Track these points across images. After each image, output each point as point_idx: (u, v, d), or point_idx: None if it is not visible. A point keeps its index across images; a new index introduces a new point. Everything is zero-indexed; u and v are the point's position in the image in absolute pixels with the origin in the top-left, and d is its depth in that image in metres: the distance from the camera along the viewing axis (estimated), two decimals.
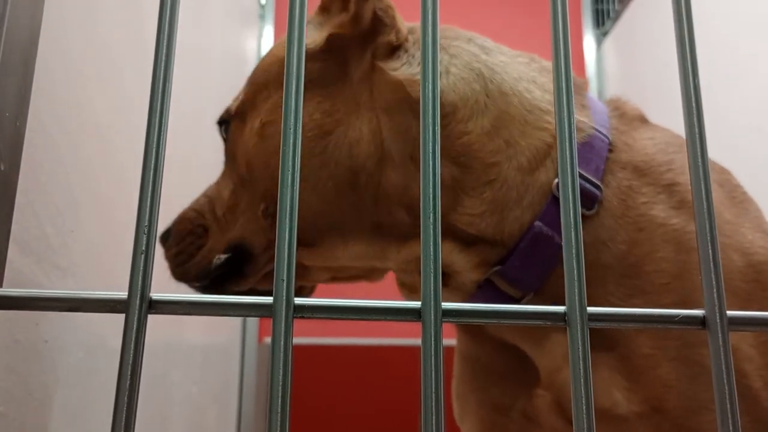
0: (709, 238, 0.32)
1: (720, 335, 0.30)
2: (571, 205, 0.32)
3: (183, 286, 0.76)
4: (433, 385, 0.29)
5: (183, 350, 1.37)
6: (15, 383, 0.58)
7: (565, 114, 0.32)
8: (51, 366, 0.67)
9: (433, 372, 0.30)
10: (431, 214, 0.31)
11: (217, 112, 1.77)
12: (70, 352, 0.72)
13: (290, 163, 0.30)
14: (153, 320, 0.79)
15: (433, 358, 0.30)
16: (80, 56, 0.81)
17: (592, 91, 2.53)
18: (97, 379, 0.76)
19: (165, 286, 0.79)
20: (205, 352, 1.66)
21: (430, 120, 0.31)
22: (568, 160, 0.32)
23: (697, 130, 0.33)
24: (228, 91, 1.94)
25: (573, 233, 0.32)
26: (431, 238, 0.31)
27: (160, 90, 0.32)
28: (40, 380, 0.64)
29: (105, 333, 0.81)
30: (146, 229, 0.30)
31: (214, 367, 1.83)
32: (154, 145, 0.30)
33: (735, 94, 1.60)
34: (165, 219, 0.40)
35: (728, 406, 0.29)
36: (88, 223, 0.80)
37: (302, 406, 2.27)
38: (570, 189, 0.31)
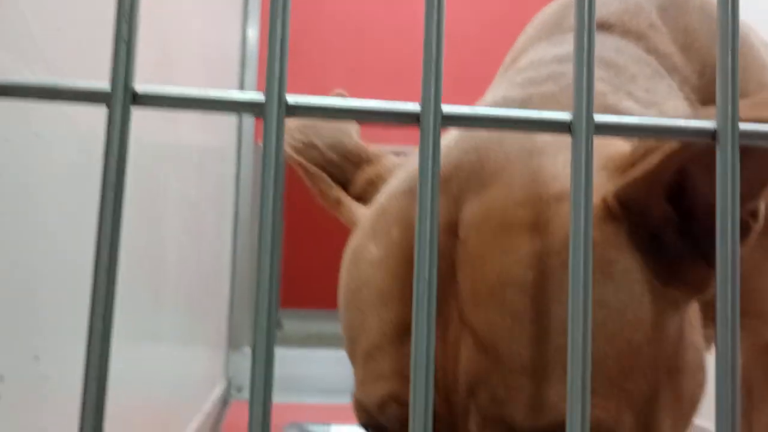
0: (730, 47, 0.30)
1: (730, 148, 0.29)
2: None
3: (170, 81, 0.73)
4: (430, 190, 0.28)
5: (178, 151, 1.37)
6: (6, 178, 0.58)
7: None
8: (44, 161, 0.67)
9: (430, 176, 0.29)
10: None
11: None
12: (64, 147, 0.71)
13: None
14: (145, 120, 0.77)
15: (431, 164, 0.29)
16: None
17: None
18: (92, 176, 0.75)
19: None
20: (200, 153, 1.66)
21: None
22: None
23: None
24: None
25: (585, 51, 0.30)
26: (433, 43, 0.29)
27: None
28: (34, 175, 0.63)
29: (99, 129, 0.79)
30: (128, 17, 0.28)
31: (210, 169, 1.84)
32: None
33: None
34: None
35: (729, 218, 0.28)
36: (76, 20, 0.76)
37: (295, 209, 2.31)
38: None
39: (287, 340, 2.67)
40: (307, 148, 0.61)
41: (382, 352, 0.47)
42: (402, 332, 0.47)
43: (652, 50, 0.64)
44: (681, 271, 0.48)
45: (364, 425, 0.50)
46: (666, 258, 0.47)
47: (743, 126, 0.30)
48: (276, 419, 0.30)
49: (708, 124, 0.30)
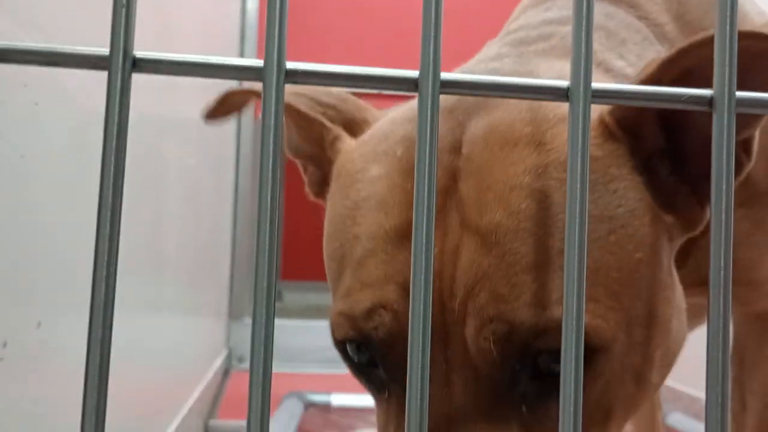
0: (728, 14, 0.30)
1: (726, 116, 0.29)
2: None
3: (168, 48, 0.72)
4: (428, 158, 0.29)
5: (178, 124, 1.37)
6: (4, 146, 0.58)
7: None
8: (43, 131, 0.67)
9: (428, 146, 0.29)
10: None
11: None
12: (63, 118, 0.71)
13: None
14: (145, 91, 0.76)
15: (429, 130, 0.29)
16: None
17: None
18: (90, 147, 0.75)
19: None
20: (200, 126, 1.65)
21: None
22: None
23: None
24: None
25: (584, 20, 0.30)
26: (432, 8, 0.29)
27: None
28: (31, 143, 0.63)
29: (98, 102, 0.79)
30: None
31: (210, 141, 1.83)
32: None
33: None
34: None
35: (724, 181, 0.29)
36: None
37: (295, 181, 2.30)
38: None
39: (287, 312, 2.69)
40: (298, 96, 0.60)
41: (375, 259, 0.47)
42: (399, 237, 0.46)
43: (643, 18, 0.65)
44: (676, 203, 0.49)
45: (342, 340, 0.50)
46: (663, 187, 0.48)
47: (740, 94, 0.30)
48: (276, 388, 0.30)
49: (705, 91, 0.30)
